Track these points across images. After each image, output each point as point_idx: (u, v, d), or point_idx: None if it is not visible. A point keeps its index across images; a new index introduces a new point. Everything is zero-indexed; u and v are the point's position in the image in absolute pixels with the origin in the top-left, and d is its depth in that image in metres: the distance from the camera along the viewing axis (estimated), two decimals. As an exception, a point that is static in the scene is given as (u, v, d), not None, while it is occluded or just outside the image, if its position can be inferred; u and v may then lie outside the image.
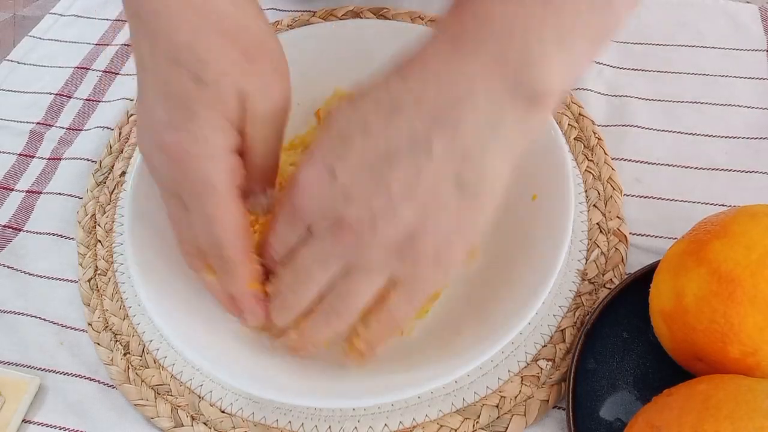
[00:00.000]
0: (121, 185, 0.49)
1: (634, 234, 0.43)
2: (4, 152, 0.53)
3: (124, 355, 0.41)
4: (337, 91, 0.46)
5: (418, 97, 0.27)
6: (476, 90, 0.26)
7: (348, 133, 0.28)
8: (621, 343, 0.37)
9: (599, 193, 0.44)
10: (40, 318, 0.43)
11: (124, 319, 0.42)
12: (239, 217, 0.32)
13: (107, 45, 0.59)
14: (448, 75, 0.27)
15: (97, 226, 0.47)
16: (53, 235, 0.47)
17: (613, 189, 0.44)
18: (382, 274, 0.29)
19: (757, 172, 0.45)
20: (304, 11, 0.58)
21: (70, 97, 0.56)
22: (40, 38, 0.61)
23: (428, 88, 0.27)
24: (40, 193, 0.50)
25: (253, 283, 0.33)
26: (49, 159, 0.52)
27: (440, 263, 0.29)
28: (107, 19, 0.62)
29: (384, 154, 0.27)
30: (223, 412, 0.38)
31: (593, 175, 0.45)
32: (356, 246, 0.28)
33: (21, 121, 0.55)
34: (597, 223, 0.43)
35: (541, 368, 0.38)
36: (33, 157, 0.52)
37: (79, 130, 0.54)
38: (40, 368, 0.41)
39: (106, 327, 0.42)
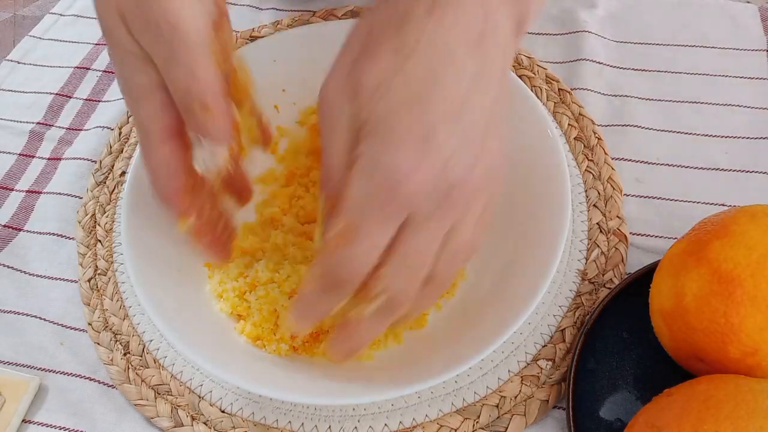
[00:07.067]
0: (121, 185, 0.49)
1: (634, 234, 0.43)
2: (4, 152, 0.53)
3: (124, 355, 0.41)
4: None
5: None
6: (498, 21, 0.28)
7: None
8: (621, 343, 0.37)
9: (599, 193, 0.44)
10: (40, 318, 0.43)
11: (124, 319, 0.42)
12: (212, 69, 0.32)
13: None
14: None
15: (97, 226, 0.47)
16: (53, 235, 0.47)
17: (613, 189, 0.44)
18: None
19: (757, 172, 0.45)
20: (304, 11, 0.58)
21: (70, 97, 0.56)
22: (40, 38, 0.61)
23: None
24: (40, 193, 0.50)
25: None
26: (49, 159, 0.52)
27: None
28: (107, 19, 0.62)
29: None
30: (223, 412, 0.38)
31: (593, 175, 0.45)
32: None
33: (21, 121, 0.55)
34: (597, 223, 0.43)
35: (541, 368, 0.38)
36: (33, 157, 0.52)
37: (79, 129, 0.54)
38: (40, 368, 0.41)
39: (106, 327, 0.42)
